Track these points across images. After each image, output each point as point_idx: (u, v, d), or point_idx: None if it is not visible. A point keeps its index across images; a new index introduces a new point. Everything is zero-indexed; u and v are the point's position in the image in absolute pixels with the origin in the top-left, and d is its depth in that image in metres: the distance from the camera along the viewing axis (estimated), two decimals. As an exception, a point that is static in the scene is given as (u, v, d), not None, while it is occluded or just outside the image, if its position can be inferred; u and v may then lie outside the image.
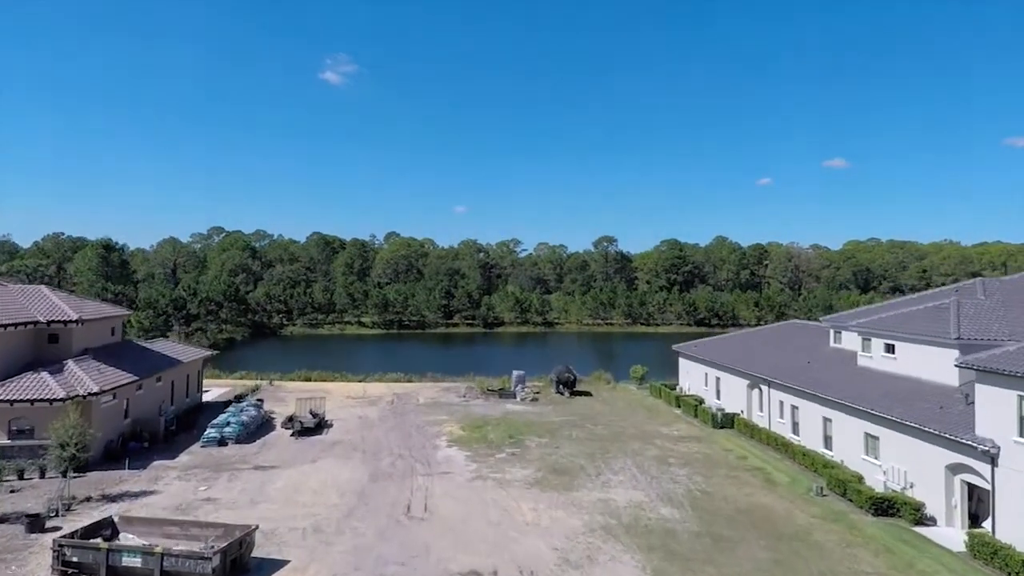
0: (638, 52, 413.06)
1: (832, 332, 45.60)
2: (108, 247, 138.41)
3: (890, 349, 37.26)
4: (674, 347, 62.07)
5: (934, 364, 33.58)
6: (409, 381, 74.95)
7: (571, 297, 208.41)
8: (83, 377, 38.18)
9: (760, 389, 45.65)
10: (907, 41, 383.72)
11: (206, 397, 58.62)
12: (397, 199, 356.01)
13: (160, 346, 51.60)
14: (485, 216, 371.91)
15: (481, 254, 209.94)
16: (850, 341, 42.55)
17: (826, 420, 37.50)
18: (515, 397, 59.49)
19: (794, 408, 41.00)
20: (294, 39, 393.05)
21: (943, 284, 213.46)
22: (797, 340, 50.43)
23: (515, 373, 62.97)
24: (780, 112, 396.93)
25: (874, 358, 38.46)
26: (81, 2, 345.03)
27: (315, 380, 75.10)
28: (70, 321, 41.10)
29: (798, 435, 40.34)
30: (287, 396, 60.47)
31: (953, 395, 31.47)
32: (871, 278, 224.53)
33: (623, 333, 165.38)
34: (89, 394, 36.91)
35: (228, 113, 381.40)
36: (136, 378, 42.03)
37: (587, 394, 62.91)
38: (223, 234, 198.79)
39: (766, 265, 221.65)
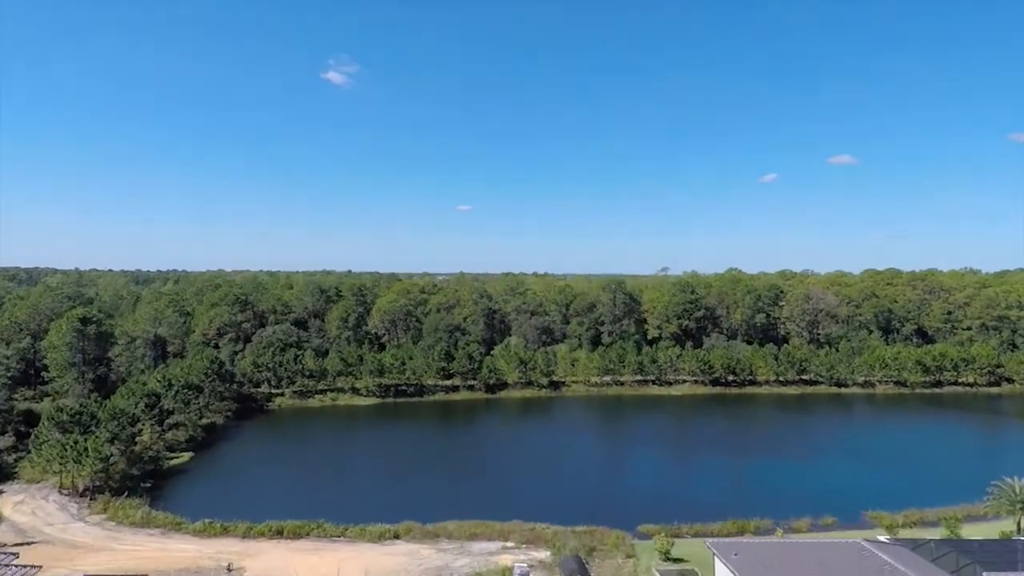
0: (637, 50, 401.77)
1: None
2: (85, 320, 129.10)
3: None
4: (707, 543, 52.01)
5: None
6: (396, 537, 65.79)
7: (578, 341, 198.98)
8: None
9: None
10: (910, 35, 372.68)
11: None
12: (401, 198, 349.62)
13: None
14: (489, 214, 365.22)
15: (484, 299, 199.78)
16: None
17: None
18: (517, 611, 49.71)
19: None
20: (296, 40, 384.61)
21: (969, 328, 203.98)
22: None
23: (517, 570, 53.14)
24: (783, 107, 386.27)
25: None
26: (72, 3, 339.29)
27: (287, 535, 65.86)
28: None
29: None
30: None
31: None
32: (892, 318, 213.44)
33: (634, 396, 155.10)
34: None
35: (230, 117, 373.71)
36: None
37: (602, 591, 53.14)
38: (218, 278, 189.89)
39: (781, 306, 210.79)
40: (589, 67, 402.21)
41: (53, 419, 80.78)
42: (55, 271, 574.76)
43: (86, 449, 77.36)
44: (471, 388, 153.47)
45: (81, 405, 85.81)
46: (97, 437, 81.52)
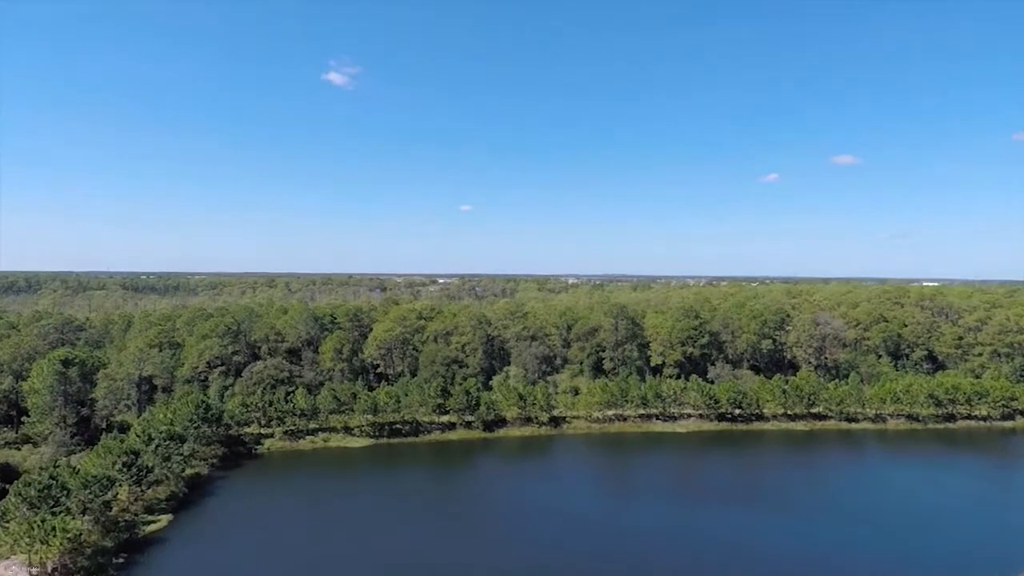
0: (638, 50, 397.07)
1: None
2: (66, 362, 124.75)
3: None
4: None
5: None
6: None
7: (579, 367, 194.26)
8: None
9: None
10: (912, 34, 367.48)
11: None
12: (403, 198, 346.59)
13: None
14: (490, 214, 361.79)
15: (483, 325, 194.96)
16: None
17: None
18: None
19: None
20: (296, 42, 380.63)
21: (981, 354, 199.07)
22: None
23: None
24: (785, 107, 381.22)
25: None
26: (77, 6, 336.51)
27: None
28: None
29: None
30: None
31: None
32: (901, 343, 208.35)
33: (637, 433, 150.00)
34: None
35: (231, 119, 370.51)
36: None
37: None
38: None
39: (788, 331, 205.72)
40: (590, 67, 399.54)
41: (20, 494, 76.03)
42: (54, 276, 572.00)
43: (53, 528, 72.66)
44: (468, 425, 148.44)
45: (51, 476, 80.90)
46: (68, 510, 76.95)
